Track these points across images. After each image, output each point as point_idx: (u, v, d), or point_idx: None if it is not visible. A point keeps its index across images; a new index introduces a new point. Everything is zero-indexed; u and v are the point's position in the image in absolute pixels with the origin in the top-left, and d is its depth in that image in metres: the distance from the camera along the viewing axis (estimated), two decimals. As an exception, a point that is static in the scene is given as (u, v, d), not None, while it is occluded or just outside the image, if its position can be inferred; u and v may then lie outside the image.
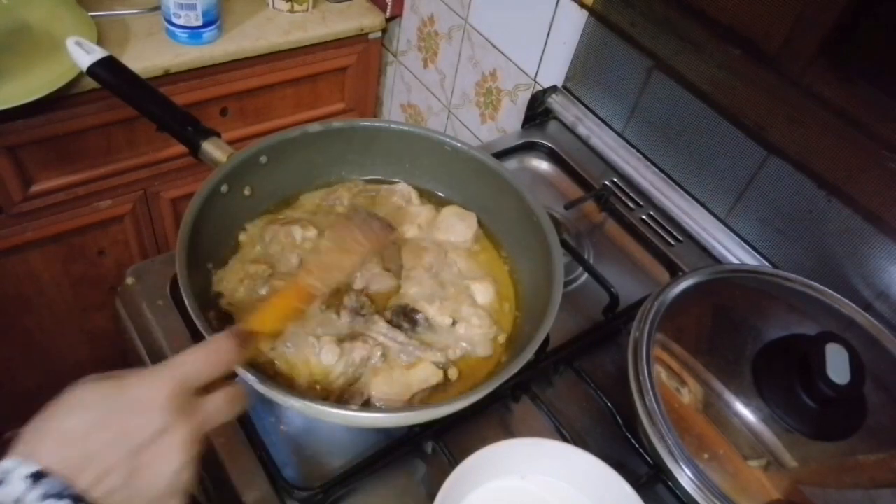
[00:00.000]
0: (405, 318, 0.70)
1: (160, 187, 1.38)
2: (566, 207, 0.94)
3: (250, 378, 0.56)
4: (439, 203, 0.82)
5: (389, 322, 0.69)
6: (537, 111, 1.11)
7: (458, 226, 0.79)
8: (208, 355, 0.46)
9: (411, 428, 0.68)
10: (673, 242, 0.94)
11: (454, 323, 0.70)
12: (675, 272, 0.89)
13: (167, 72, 1.20)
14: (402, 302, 0.71)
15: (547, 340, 0.71)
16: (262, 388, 0.57)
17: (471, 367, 0.69)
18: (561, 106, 1.09)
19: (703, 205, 0.95)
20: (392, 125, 0.80)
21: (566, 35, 1.08)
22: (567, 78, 1.10)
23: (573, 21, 1.06)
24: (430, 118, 1.52)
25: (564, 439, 0.69)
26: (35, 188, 1.22)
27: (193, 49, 1.22)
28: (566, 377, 0.77)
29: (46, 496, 0.37)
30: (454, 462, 0.61)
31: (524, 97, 1.18)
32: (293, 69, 1.37)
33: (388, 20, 1.46)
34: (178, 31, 1.20)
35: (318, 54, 1.38)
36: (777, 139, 0.84)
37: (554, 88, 1.11)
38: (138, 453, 0.41)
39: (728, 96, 0.87)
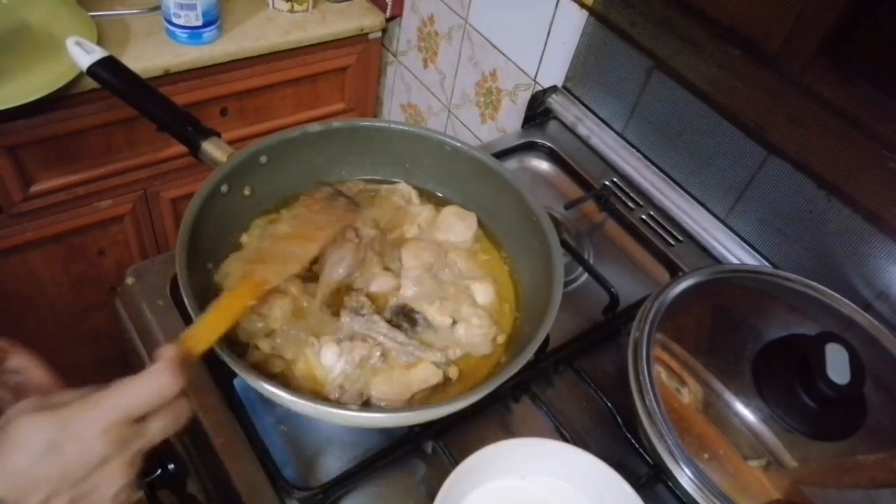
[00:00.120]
0: (405, 317, 0.70)
1: (160, 187, 1.38)
2: (566, 207, 0.94)
3: (251, 378, 0.56)
4: (439, 203, 0.82)
5: (389, 322, 0.69)
6: (537, 111, 1.11)
7: (458, 226, 0.79)
8: (148, 388, 0.45)
9: (411, 428, 0.68)
10: (673, 242, 0.94)
11: (454, 323, 0.70)
12: (675, 272, 0.89)
13: (167, 72, 1.20)
14: (401, 302, 0.71)
15: (547, 340, 0.71)
16: (262, 388, 0.57)
17: (471, 367, 0.69)
18: (561, 106, 1.09)
19: (703, 205, 0.95)
20: (392, 125, 0.80)
21: (566, 35, 1.08)
22: (567, 78, 1.10)
23: (573, 21, 1.06)
24: (430, 118, 1.52)
25: (564, 439, 0.69)
26: (35, 188, 1.22)
27: (193, 49, 1.22)
28: (566, 377, 0.77)
29: None
30: (454, 462, 0.61)
31: (524, 97, 1.18)
32: (293, 69, 1.37)
33: (388, 20, 1.46)
34: (178, 31, 1.20)
35: (318, 54, 1.38)
36: (777, 139, 0.84)
37: (554, 88, 1.11)
38: (82, 481, 0.43)
39: (728, 96, 0.87)
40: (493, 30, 1.24)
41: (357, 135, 0.80)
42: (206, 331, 0.54)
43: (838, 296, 0.73)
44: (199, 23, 1.19)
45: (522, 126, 1.12)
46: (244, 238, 0.74)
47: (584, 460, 0.63)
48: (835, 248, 0.82)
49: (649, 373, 0.64)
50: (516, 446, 0.63)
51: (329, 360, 0.64)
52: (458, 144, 0.79)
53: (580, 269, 0.87)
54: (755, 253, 0.90)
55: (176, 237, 0.63)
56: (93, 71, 0.73)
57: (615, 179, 1.02)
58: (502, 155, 1.02)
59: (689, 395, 0.65)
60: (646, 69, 0.96)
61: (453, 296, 0.72)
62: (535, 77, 1.18)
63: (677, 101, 0.93)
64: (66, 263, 1.38)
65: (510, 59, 1.22)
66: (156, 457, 0.68)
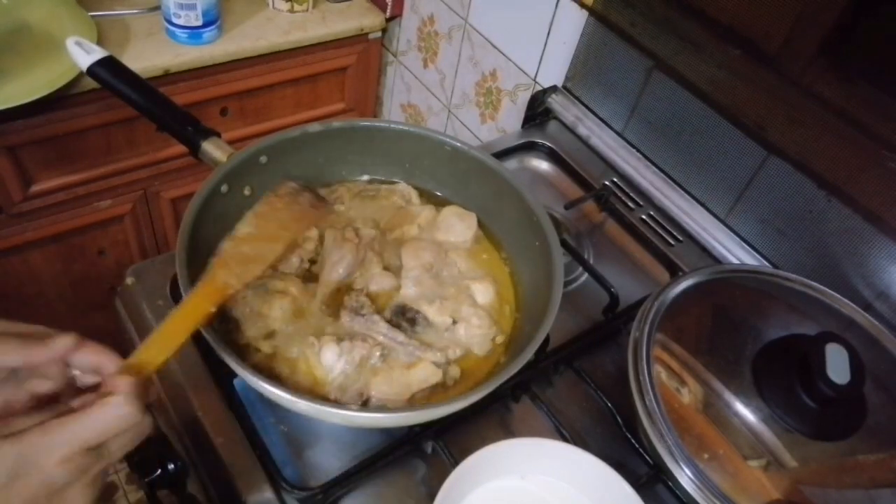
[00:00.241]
0: (405, 317, 0.70)
1: (160, 187, 1.38)
2: (566, 207, 0.94)
3: (251, 378, 0.56)
4: (439, 203, 0.82)
5: (389, 322, 0.69)
6: (537, 111, 1.11)
7: (458, 226, 0.79)
8: (107, 421, 0.45)
9: (411, 428, 0.68)
10: (673, 242, 0.94)
11: (454, 323, 0.70)
12: (675, 272, 0.89)
13: (167, 72, 1.20)
14: (401, 302, 0.71)
15: (547, 340, 0.71)
16: (262, 388, 0.57)
17: (471, 367, 0.69)
18: (561, 106, 1.09)
19: (703, 205, 0.95)
20: (392, 125, 0.80)
21: (566, 35, 1.08)
22: (567, 78, 1.10)
23: (573, 21, 1.06)
24: (430, 118, 1.52)
25: (564, 439, 0.69)
26: (35, 188, 1.22)
27: (193, 49, 1.22)
28: (566, 377, 0.77)
29: None
30: (454, 462, 0.62)
31: (524, 97, 1.18)
32: (293, 69, 1.37)
33: (388, 20, 1.46)
34: (178, 31, 1.20)
35: (318, 54, 1.38)
36: (777, 139, 0.84)
37: (554, 88, 1.11)
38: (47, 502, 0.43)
39: (728, 96, 0.87)
40: (493, 30, 1.24)
41: (357, 135, 0.80)
42: (159, 349, 0.51)
43: (838, 296, 0.73)
44: (199, 23, 1.19)
45: (522, 126, 1.12)
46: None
47: (584, 460, 0.63)
48: (835, 248, 0.82)
49: (649, 373, 0.64)
50: (516, 446, 0.63)
51: (329, 360, 0.64)
52: (458, 144, 0.79)
53: (580, 269, 0.87)
54: (755, 253, 0.90)
55: (176, 237, 0.63)
56: (93, 71, 0.73)
57: (615, 179, 1.02)
58: (502, 155, 1.02)
59: (689, 395, 0.65)
60: (646, 69, 0.96)
61: (453, 296, 0.72)
62: (535, 77, 1.18)
63: (677, 101, 0.93)
64: (66, 263, 1.38)
65: (510, 59, 1.22)
66: (156, 457, 0.68)
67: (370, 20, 1.41)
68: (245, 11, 1.33)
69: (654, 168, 1.00)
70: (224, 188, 0.70)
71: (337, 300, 0.70)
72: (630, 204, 0.99)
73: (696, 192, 0.96)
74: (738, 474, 0.61)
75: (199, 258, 0.65)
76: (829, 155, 0.79)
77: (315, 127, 0.76)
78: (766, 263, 0.89)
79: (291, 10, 1.35)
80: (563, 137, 1.07)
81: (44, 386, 0.48)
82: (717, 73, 0.88)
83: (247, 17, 1.32)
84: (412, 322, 0.70)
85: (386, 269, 0.74)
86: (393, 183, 0.83)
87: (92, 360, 0.48)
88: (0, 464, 0.42)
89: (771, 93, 0.83)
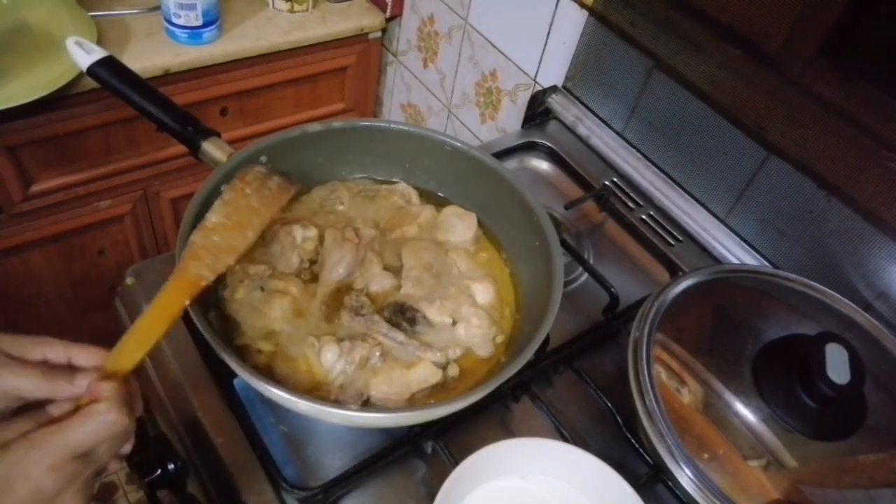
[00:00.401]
0: (405, 317, 0.70)
1: (160, 187, 1.38)
2: (566, 207, 0.94)
3: (251, 378, 0.56)
4: (439, 203, 0.82)
5: (389, 322, 0.69)
6: (537, 111, 1.11)
7: (458, 226, 0.79)
8: (93, 429, 0.45)
9: (411, 428, 0.68)
10: (673, 242, 0.94)
11: (454, 323, 0.70)
12: (675, 272, 0.89)
13: (167, 72, 1.20)
14: (401, 301, 0.71)
15: (547, 340, 0.71)
16: (262, 388, 0.57)
17: (471, 367, 0.69)
18: (561, 106, 1.09)
19: (703, 205, 0.95)
20: (392, 125, 0.80)
21: (566, 35, 1.08)
22: (567, 78, 1.10)
23: (573, 21, 1.06)
24: (430, 118, 1.52)
25: (564, 439, 0.69)
26: (35, 188, 1.22)
27: (193, 49, 1.22)
28: (566, 377, 0.77)
29: None
30: (454, 462, 0.62)
31: (524, 97, 1.18)
32: (293, 69, 1.37)
33: (388, 20, 1.46)
34: (178, 31, 1.20)
35: (318, 54, 1.38)
36: (777, 139, 0.84)
37: (554, 88, 1.11)
38: None
39: (728, 96, 0.87)
40: (492, 30, 1.24)
41: (357, 135, 0.80)
42: (136, 347, 0.51)
43: (838, 296, 0.73)
44: (199, 23, 1.19)
45: (522, 126, 1.12)
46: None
47: (584, 460, 0.63)
48: (835, 248, 0.82)
49: (649, 373, 0.64)
50: (516, 446, 0.63)
51: (329, 360, 0.64)
52: (458, 144, 0.79)
53: (580, 269, 0.87)
54: (755, 253, 0.90)
55: (176, 237, 0.63)
56: (93, 71, 0.73)
57: (615, 179, 1.02)
58: (502, 155, 1.02)
59: (689, 395, 0.65)
60: (646, 69, 0.96)
61: (453, 296, 0.72)
62: (535, 77, 1.18)
63: (677, 101, 0.93)
64: (66, 263, 1.38)
65: (510, 59, 1.22)
66: (156, 457, 0.68)
67: (370, 20, 1.41)
68: (245, 11, 1.33)
69: (654, 168, 1.00)
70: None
71: (337, 300, 0.70)
72: (630, 204, 0.99)
73: (696, 192, 0.96)
74: (738, 474, 0.61)
75: (199, 258, 0.65)
76: (829, 155, 0.79)
77: (315, 127, 0.76)
78: (766, 263, 0.89)
79: (291, 10, 1.35)
80: (563, 137, 1.07)
81: (28, 393, 0.48)
82: (717, 73, 0.88)
83: (247, 17, 1.32)
84: (412, 322, 0.70)
85: (386, 269, 0.74)
86: (393, 183, 0.83)
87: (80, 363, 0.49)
88: None
89: (771, 93, 0.83)
